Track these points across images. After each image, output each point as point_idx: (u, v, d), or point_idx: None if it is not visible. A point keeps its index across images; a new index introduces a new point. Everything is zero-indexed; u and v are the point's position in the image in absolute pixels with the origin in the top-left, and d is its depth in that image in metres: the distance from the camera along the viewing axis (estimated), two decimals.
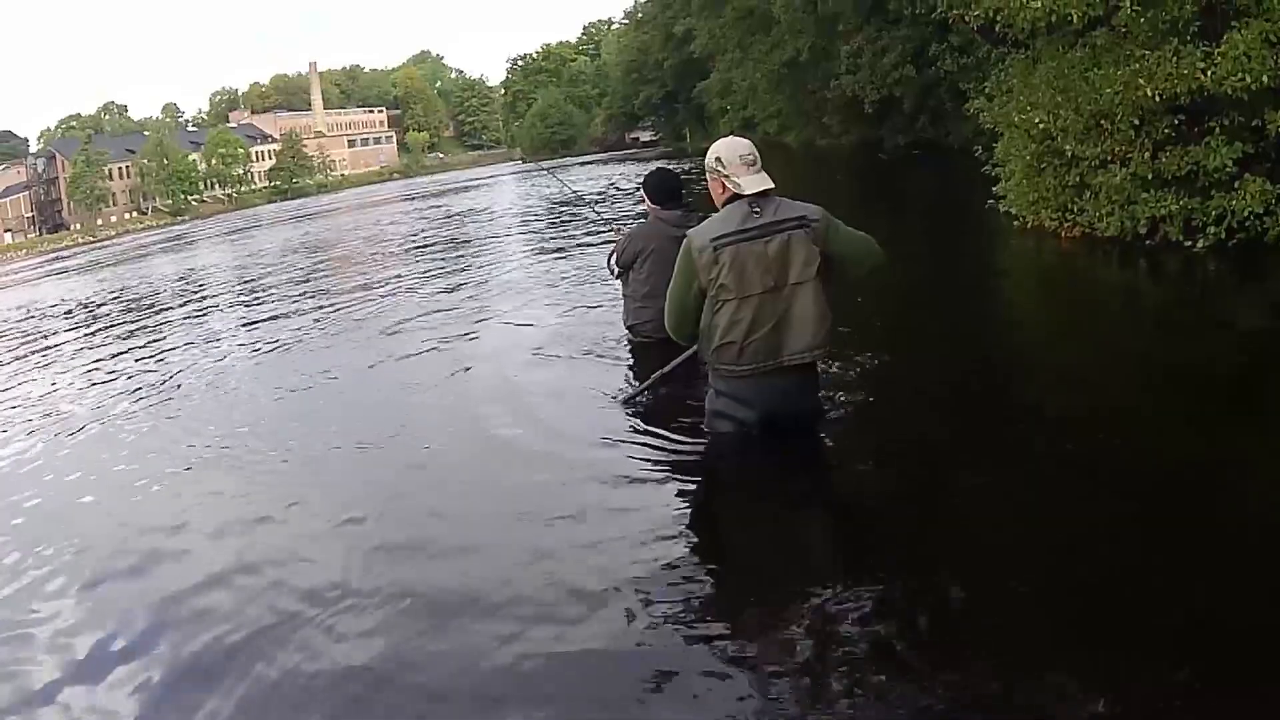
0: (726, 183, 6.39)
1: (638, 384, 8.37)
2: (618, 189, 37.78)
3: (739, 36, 56.45)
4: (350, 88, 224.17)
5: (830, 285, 6.34)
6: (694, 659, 4.28)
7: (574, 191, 15.84)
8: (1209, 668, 3.76)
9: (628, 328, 9.77)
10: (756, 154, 6.38)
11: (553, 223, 27.60)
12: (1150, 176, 12.25)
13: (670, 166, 10.35)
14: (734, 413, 6.52)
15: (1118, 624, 4.11)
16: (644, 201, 9.89)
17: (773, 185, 6.24)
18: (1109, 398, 7.41)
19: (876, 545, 5.32)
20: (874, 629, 4.33)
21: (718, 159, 6.44)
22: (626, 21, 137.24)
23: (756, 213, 6.21)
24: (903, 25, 38.35)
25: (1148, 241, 12.31)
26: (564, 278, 15.53)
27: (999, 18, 14.18)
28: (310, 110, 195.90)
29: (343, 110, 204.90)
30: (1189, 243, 11.83)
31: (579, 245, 20.03)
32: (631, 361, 9.34)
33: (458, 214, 39.02)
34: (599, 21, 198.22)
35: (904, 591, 4.67)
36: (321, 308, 16.40)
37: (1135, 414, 6.96)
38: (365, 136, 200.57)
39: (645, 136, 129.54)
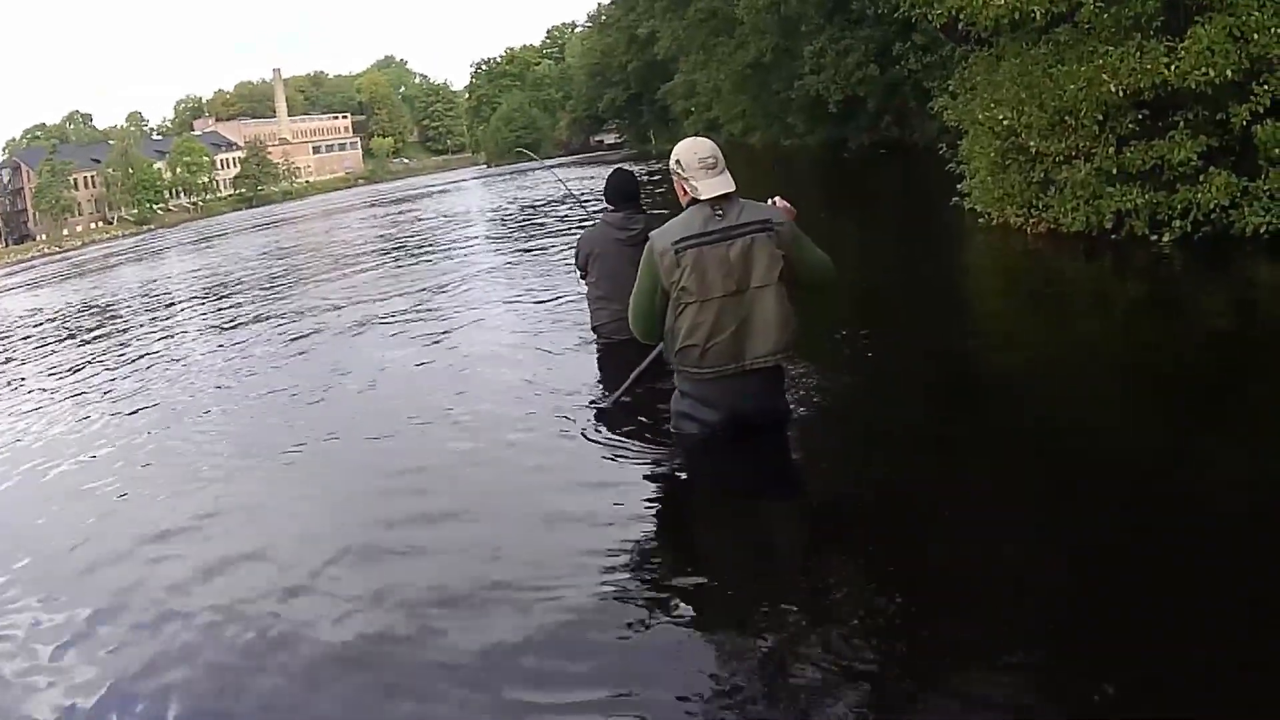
0: (685, 185, 6.41)
1: (602, 385, 8.44)
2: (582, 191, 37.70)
3: (702, 38, 56.62)
4: (315, 94, 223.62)
5: (793, 289, 6.34)
6: (662, 660, 4.28)
7: (571, 192, 15.68)
8: (1188, 663, 3.77)
9: (592, 329, 9.78)
10: (718, 156, 6.31)
11: (520, 225, 27.59)
12: (1115, 171, 12.30)
13: (628, 168, 10.30)
14: (698, 414, 6.50)
15: (1092, 617, 4.14)
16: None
17: (732, 189, 6.23)
18: (1078, 392, 7.45)
19: (846, 543, 5.32)
20: (844, 627, 4.32)
21: (678, 161, 6.43)
22: (590, 24, 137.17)
23: (719, 215, 6.20)
24: (866, 25, 38.51)
25: (1113, 236, 12.34)
26: (532, 280, 15.52)
27: (962, 16, 14.17)
28: (275, 118, 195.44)
29: (307, 117, 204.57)
30: (1154, 236, 11.89)
31: (546, 247, 20.03)
32: (597, 362, 9.37)
33: (425, 219, 38.92)
34: (562, 25, 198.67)
35: (875, 590, 4.66)
36: (289, 315, 16.30)
37: (1104, 407, 7.00)
38: (330, 143, 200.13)
39: (610, 139, 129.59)
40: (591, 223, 10.66)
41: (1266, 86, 11.04)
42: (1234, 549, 4.54)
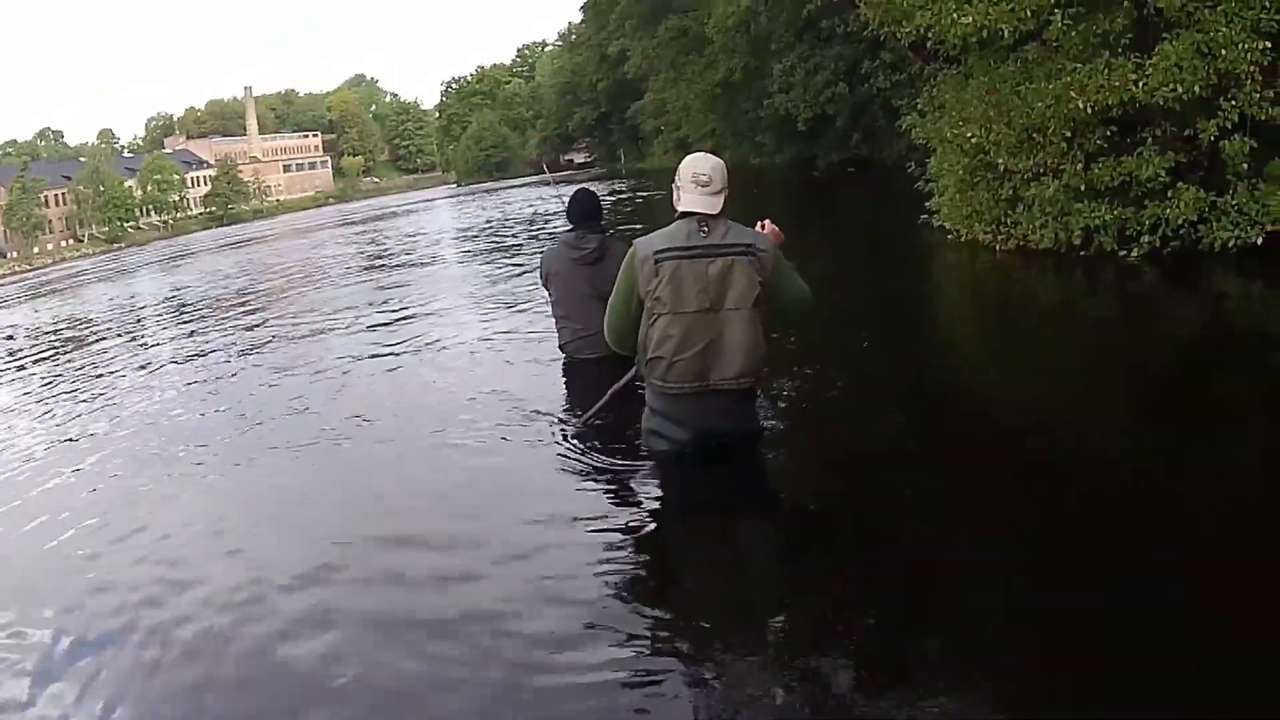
0: (675, 195, 6.36)
1: (569, 403, 8.36)
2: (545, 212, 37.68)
3: (672, 57, 56.84)
4: (285, 112, 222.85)
5: (766, 316, 6.30)
6: (636, 676, 4.24)
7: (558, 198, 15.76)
8: (1160, 666, 3.83)
9: (559, 347, 9.73)
10: (715, 176, 6.25)
11: (491, 243, 27.44)
12: (1083, 188, 12.35)
13: (591, 188, 10.28)
14: (668, 432, 6.45)
15: (1071, 628, 4.15)
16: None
17: (714, 211, 6.18)
18: (1046, 406, 7.49)
19: (819, 559, 5.30)
20: (819, 641, 4.32)
21: (678, 171, 6.38)
22: (560, 43, 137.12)
23: (704, 232, 6.14)
24: (835, 43, 38.67)
25: (1082, 252, 12.39)
26: (502, 297, 15.39)
27: (930, 34, 14.20)
28: (246, 136, 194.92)
29: (278, 135, 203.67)
30: (1123, 252, 11.94)
31: (517, 265, 19.93)
32: (564, 381, 9.29)
33: (395, 237, 38.73)
34: (533, 44, 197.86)
35: (847, 603, 4.68)
36: (259, 335, 16.05)
37: (1075, 421, 6.99)
38: (300, 161, 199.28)
39: (580, 158, 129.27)
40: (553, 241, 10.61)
41: (1234, 102, 11.11)
42: (1201, 557, 4.63)
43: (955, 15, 13.18)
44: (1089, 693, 3.70)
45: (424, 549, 6.02)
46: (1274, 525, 4.89)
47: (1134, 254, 11.79)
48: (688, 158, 6.50)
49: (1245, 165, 11.13)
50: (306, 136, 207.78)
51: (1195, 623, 4.08)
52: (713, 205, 6.21)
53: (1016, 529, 5.21)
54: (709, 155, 6.59)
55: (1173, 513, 5.19)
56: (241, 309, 20.51)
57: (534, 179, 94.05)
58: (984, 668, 4.00)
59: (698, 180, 6.21)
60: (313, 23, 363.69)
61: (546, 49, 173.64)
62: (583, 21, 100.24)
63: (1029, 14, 12.58)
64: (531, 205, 45.00)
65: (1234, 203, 11.25)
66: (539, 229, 28.96)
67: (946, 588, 4.72)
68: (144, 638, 5.19)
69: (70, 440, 10.35)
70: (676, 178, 6.36)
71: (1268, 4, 11.15)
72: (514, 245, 25.29)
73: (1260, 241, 11.01)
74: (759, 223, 6.73)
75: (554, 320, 9.73)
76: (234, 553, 6.32)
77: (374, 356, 11.95)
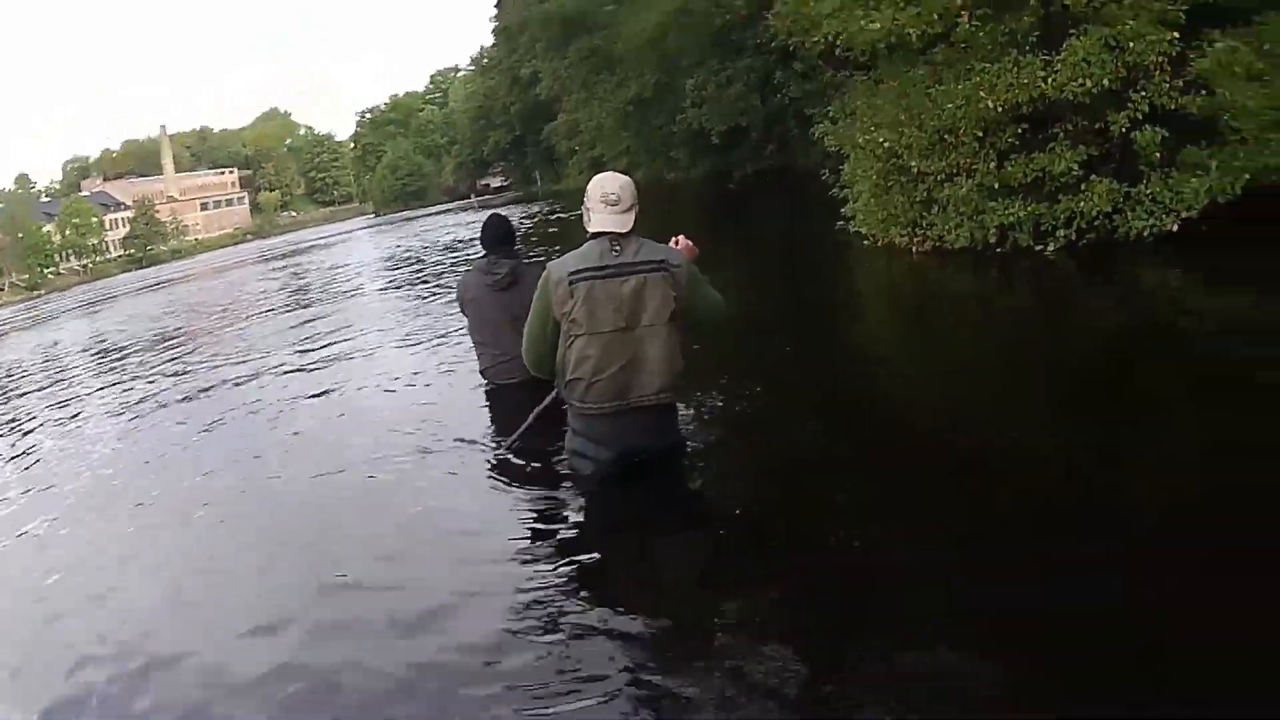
0: (586, 217, 6.33)
1: (493, 429, 8.33)
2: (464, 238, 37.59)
3: (584, 76, 56.78)
4: (201, 149, 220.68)
5: (682, 330, 6.29)
6: (571, 696, 4.22)
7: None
8: (1093, 657, 3.85)
9: (479, 373, 9.66)
10: (624, 194, 6.20)
11: (409, 272, 27.32)
12: (997, 186, 12.40)
13: (503, 213, 10.27)
14: (590, 452, 6.41)
15: (1010, 625, 4.21)
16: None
17: (625, 229, 6.15)
18: (973, 405, 7.51)
19: (753, 568, 5.25)
20: (757, 649, 4.30)
21: (587, 192, 6.33)
22: (473, 68, 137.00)
23: (616, 251, 6.12)
24: (746, 56, 38.74)
25: (998, 249, 12.46)
26: (422, 326, 15.24)
27: (839, 42, 14.28)
28: (162, 175, 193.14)
29: (194, 173, 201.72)
30: (1039, 247, 12.03)
31: (436, 292, 19.82)
32: (488, 407, 9.21)
33: (314, 271, 38.50)
34: (445, 69, 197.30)
35: (779, 608, 4.71)
36: (181, 375, 15.79)
37: (1001, 419, 7.04)
38: (218, 199, 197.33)
39: (496, 182, 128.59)
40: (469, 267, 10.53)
41: (1144, 93, 11.26)
42: (1137, 549, 4.70)
43: (863, 22, 13.31)
44: (1032, 689, 3.72)
45: (362, 590, 5.89)
46: (1206, 514, 4.92)
47: (1050, 248, 11.89)
48: (595, 178, 6.45)
49: (1158, 155, 11.25)
50: (223, 173, 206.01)
51: (1134, 615, 4.11)
52: (623, 224, 6.19)
53: (950, 529, 5.22)
54: (617, 174, 6.53)
55: (1105, 505, 5.21)
56: (165, 353, 20.15)
57: (451, 205, 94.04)
58: (925, 668, 3.98)
59: (607, 200, 6.18)
60: (225, 58, 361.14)
61: (459, 74, 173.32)
62: (494, 45, 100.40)
63: (936, 17, 12.68)
64: (450, 232, 44.95)
65: (1148, 192, 11.38)
66: (458, 255, 28.85)
67: (884, 590, 4.73)
68: (98, 701, 5.08)
69: None
70: (586, 199, 6.32)
71: None
72: (434, 273, 25.13)
73: (1175, 229, 11.14)
74: (672, 239, 6.69)
75: (474, 347, 9.69)
76: (176, 609, 6.18)
77: (298, 395, 11.73)
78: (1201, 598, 4.13)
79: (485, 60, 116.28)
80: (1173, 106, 11.28)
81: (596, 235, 6.22)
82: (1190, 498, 5.18)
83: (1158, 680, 3.68)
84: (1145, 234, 11.27)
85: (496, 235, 9.44)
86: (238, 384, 13.67)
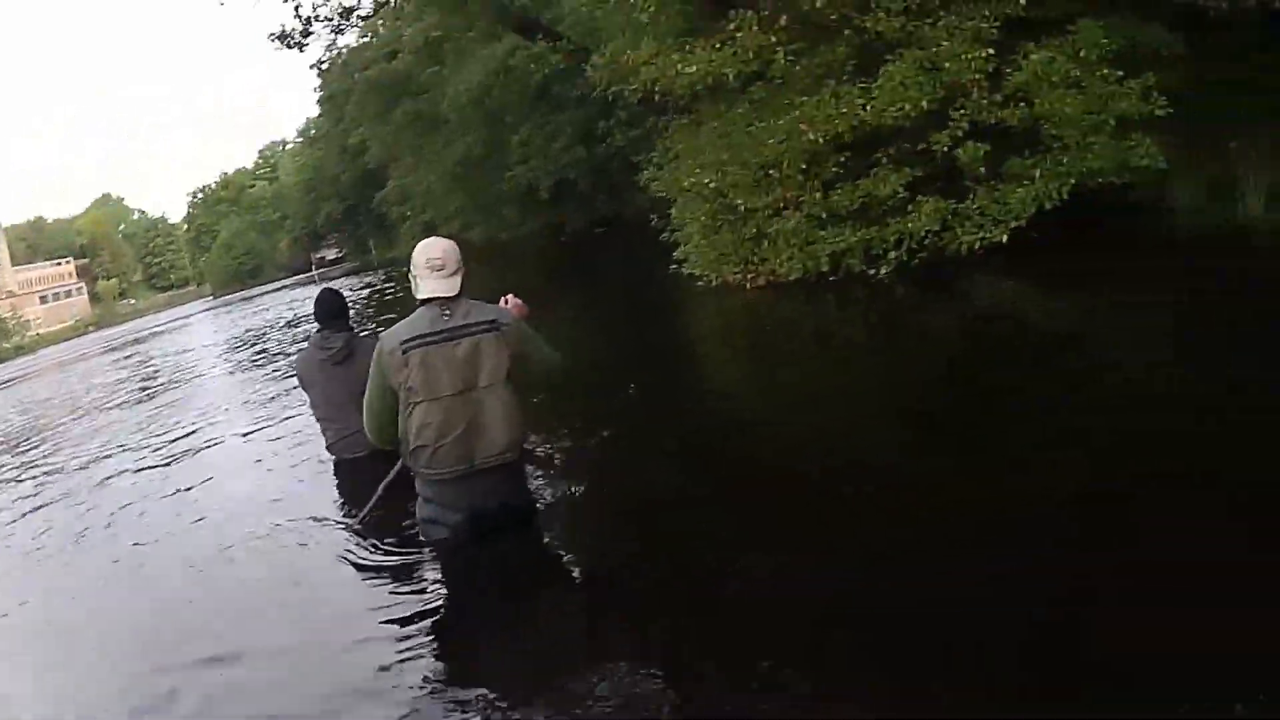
0: (413, 285, 6.31)
1: (345, 504, 8.18)
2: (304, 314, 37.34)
3: (411, 140, 56.58)
4: (36, 241, 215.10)
5: (521, 388, 6.30)
6: None
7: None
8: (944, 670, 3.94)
9: (326, 449, 9.50)
10: (449, 259, 6.21)
11: (250, 353, 26.97)
12: (825, 215, 12.50)
13: (334, 288, 10.13)
14: (442, 518, 6.32)
15: (896, 645, 4.21)
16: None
17: (452, 293, 6.15)
18: (824, 433, 7.51)
19: (618, 618, 5.25)
20: (630, 701, 4.28)
21: (412, 260, 6.32)
22: (301, 140, 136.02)
23: (446, 315, 6.10)
24: (569, 108, 38.93)
25: (832, 278, 12.51)
26: (266, 406, 14.94)
27: (657, 88, 14.23)
28: None
29: (30, 265, 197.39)
30: (872, 271, 12.09)
31: (277, 371, 19.52)
32: (336, 483, 9.05)
33: (156, 359, 37.79)
34: (273, 143, 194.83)
35: (654, 658, 4.65)
36: (28, 474, 15.34)
37: (847, 442, 7.13)
38: (57, 290, 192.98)
39: (331, 254, 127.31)
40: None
41: (963, 110, 11.41)
42: (961, 559, 4.81)
43: (679, 66, 13.42)
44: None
45: (226, 673, 5.67)
46: (1059, 511, 5.09)
47: (883, 271, 11.95)
48: (419, 245, 6.43)
49: (982, 169, 11.39)
50: (60, 264, 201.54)
51: (1011, 620, 4.17)
52: (451, 287, 6.18)
53: (818, 555, 5.25)
54: (439, 239, 6.53)
55: (965, 516, 5.28)
56: (13, 450, 19.58)
57: (289, 281, 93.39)
58: (811, 699, 4.00)
59: (432, 265, 6.18)
60: (56, 144, 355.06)
61: (288, 148, 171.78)
62: (321, 115, 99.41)
63: (751, 55, 12.77)
64: (291, 308, 44.48)
65: (975, 206, 11.54)
66: (301, 330, 28.55)
67: (759, 626, 4.65)
68: None
69: None
70: (412, 266, 6.33)
71: (988, 12, 11.39)
72: (276, 351, 24.93)
73: (1005, 240, 11.27)
74: (502, 299, 6.73)
75: (318, 424, 9.57)
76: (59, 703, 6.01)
77: (152, 488, 11.34)
78: (1085, 597, 4.21)
79: (312, 131, 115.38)
80: (993, 121, 11.47)
81: (426, 301, 6.20)
82: (1039, 497, 5.33)
83: (1052, 681, 3.72)
84: (976, 247, 11.39)
85: (329, 310, 9.34)
86: (86, 475, 13.27)
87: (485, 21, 26.65)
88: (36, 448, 18.52)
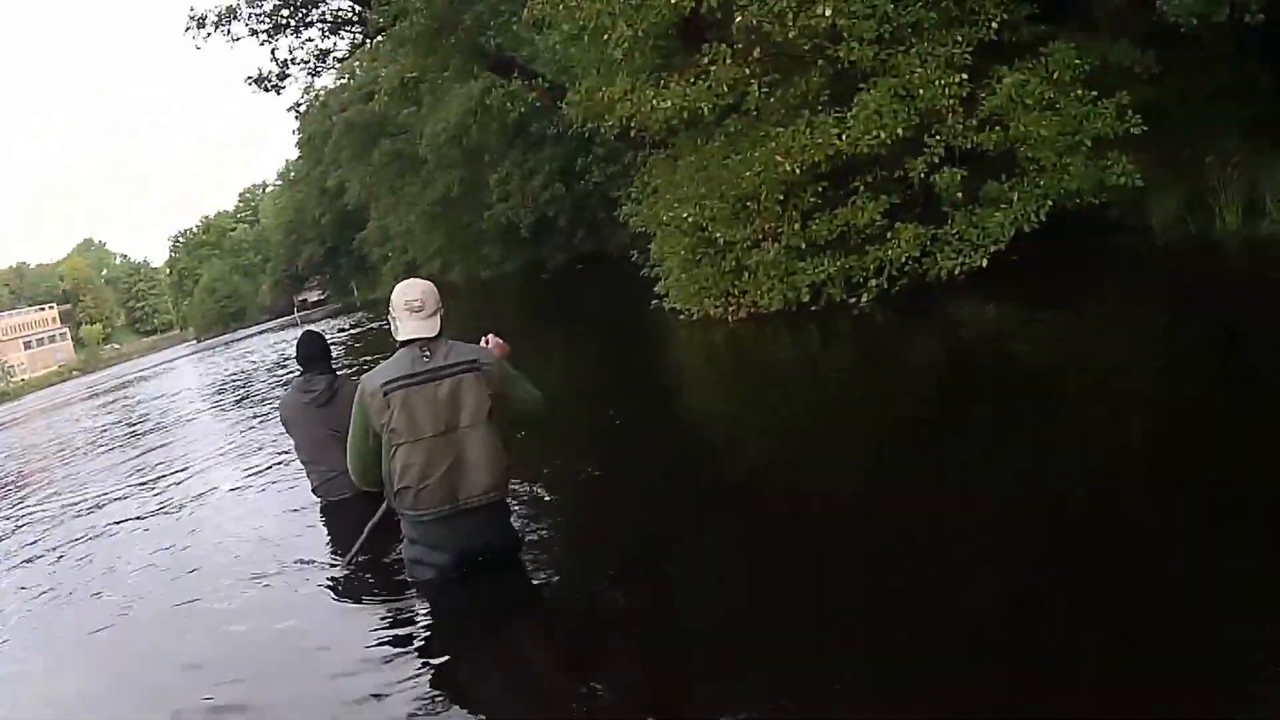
0: (392, 327, 6.31)
1: (331, 546, 8.15)
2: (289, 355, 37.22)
3: (390, 181, 56.74)
4: (19, 286, 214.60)
5: (503, 427, 6.27)
6: None
7: None
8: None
9: (312, 491, 9.49)
10: (427, 300, 6.23)
11: (235, 396, 26.92)
12: (804, 245, 12.49)
13: (315, 330, 10.12)
14: (428, 559, 6.30)
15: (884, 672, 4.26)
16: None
17: (432, 334, 6.16)
18: (806, 459, 7.64)
19: (605, 656, 5.27)
20: None
21: (391, 302, 6.32)
22: (280, 183, 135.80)
23: (426, 356, 6.10)
24: (547, 145, 38.97)
25: (813, 308, 12.53)
26: (252, 449, 14.86)
27: (633, 123, 14.23)
28: None
29: (14, 311, 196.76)
30: (853, 300, 12.08)
31: (262, 414, 19.43)
32: (324, 525, 9.01)
33: (142, 404, 37.67)
34: (253, 186, 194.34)
35: (643, 692, 4.70)
36: (19, 519, 15.25)
37: (826, 471, 7.21)
38: (40, 336, 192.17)
39: (314, 296, 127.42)
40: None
41: (939, 137, 11.43)
42: (947, 582, 4.87)
43: (654, 101, 13.39)
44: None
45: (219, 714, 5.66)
46: (1045, 532, 5.17)
47: (864, 299, 11.95)
48: (398, 287, 6.46)
49: (959, 194, 11.41)
50: (43, 309, 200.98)
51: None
52: (430, 328, 6.19)
53: (806, 584, 5.24)
54: (417, 281, 6.55)
55: (952, 535, 5.39)
56: (3, 497, 19.50)
57: (273, 324, 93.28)
58: None
59: (410, 307, 6.21)
60: (37, 189, 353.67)
61: (268, 190, 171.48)
62: (300, 158, 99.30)
63: (726, 88, 12.75)
64: (276, 350, 44.38)
65: (954, 231, 11.58)
66: (285, 373, 28.43)
67: (745, 657, 4.68)
68: None
69: None
70: (391, 308, 6.32)
71: (960, 37, 11.42)
72: (261, 394, 24.86)
73: (985, 264, 11.31)
74: (482, 338, 6.70)
75: (303, 466, 9.59)
76: None
77: (136, 526, 11.41)
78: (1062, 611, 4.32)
79: (292, 174, 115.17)
80: (969, 145, 11.53)
81: (406, 343, 6.20)
82: (1019, 516, 5.44)
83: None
84: (956, 272, 11.43)
85: (310, 353, 9.39)
86: (74, 522, 13.16)
87: (460, 61, 26.57)
88: (23, 494, 18.44)
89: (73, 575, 9.92)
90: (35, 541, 12.51)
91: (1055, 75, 11.42)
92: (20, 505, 16.96)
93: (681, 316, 14.99)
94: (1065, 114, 11.27)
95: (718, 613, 5.19)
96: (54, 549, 11.61)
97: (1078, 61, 11.47)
